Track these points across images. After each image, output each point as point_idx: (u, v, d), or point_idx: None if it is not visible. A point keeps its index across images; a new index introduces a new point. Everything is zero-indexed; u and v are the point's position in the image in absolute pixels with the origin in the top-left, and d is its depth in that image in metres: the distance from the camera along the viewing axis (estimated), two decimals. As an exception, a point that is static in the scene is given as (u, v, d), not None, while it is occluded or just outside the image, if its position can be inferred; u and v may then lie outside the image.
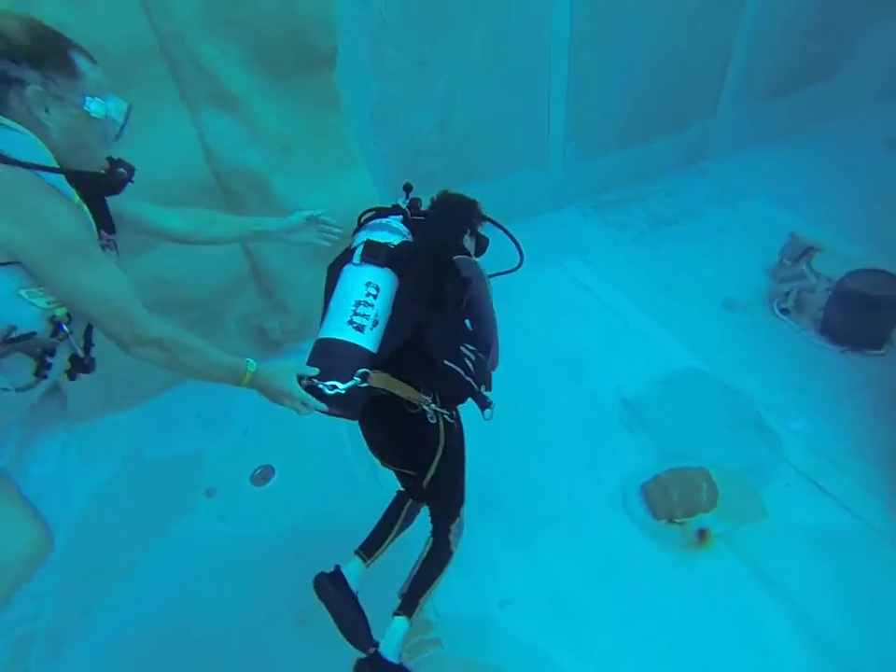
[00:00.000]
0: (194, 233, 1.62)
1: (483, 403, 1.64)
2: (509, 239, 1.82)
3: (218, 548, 2.48)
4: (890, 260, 3.24)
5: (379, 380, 1.40)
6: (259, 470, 2.83)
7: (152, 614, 2.27)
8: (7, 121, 1.06)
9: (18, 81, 1.06)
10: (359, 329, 1.39)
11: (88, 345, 1.33)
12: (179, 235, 1.60)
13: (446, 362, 1.48)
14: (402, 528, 1.90)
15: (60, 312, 1.18)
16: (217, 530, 2.58)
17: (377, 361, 1.42)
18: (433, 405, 1.52)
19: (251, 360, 1.34)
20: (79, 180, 1.16)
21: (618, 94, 4.30)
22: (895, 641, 1.98)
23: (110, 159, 1.28)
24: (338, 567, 1.75)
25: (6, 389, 1.19)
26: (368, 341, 1.40)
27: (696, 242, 4.11)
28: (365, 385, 1.37)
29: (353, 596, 1.71)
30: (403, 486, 1.91)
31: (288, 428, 2.82)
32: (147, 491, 2.79)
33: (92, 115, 1.16)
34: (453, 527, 1.76)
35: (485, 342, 1.69)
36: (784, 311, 3.36)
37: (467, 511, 1.86)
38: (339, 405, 1.38)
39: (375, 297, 1.42)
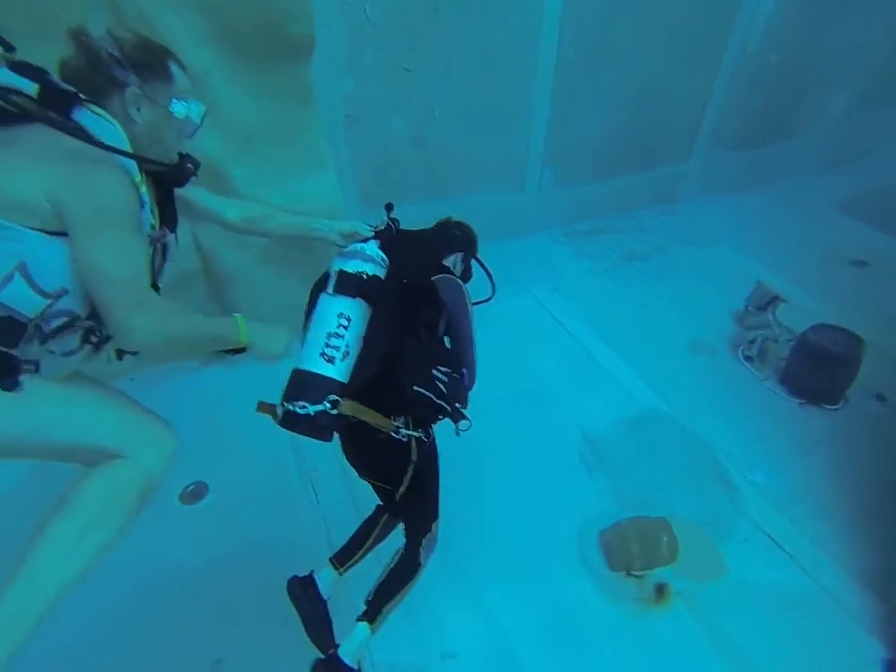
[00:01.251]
0: (245, 224, 1.76)
1: (456, 417, 1.66)
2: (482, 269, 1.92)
3: (130, 574, 2.17)
4: (842, 316, 3.32)
5: (349, 408, 1.45)
6: (190, 487, 2.56)
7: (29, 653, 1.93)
8: (105, 114, 1.22)
9: (122, 83, 1.25)
10: (330, 360, 1.45)
11: None
12: (231, 224, 1.74)
13: (416, 388, 1.52)
14: (378, 540, 1.93)
15: None
16: (132, 553, 2.28)
17: (348, 391, 1.46)
18: (402, 431, 1.56)
19: (238, 317, 1.46)
20: (149, 168, 1.31)
21: (599, 126, 4.30)
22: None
23: (179, 154, 1.43)
24: (312, 572, 1.82)
25: (52, 352, 1.28)
26: (338, 372, 1.46)
27: (665, 280, 4.10)
28: (335, 412, 1.42)
29: (322, 601, 1.77)
30: (380, 500, 1.93)
31: (230, 445, 2.61)
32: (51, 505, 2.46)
33: (175, 115, 1.33)
34: (423, 541, 1.79)
35: (463, 360, 1.72)
36: (748, 358, 3.37)
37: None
38: (309, 428, 1.43)
39: (346, 328, 1.48)
